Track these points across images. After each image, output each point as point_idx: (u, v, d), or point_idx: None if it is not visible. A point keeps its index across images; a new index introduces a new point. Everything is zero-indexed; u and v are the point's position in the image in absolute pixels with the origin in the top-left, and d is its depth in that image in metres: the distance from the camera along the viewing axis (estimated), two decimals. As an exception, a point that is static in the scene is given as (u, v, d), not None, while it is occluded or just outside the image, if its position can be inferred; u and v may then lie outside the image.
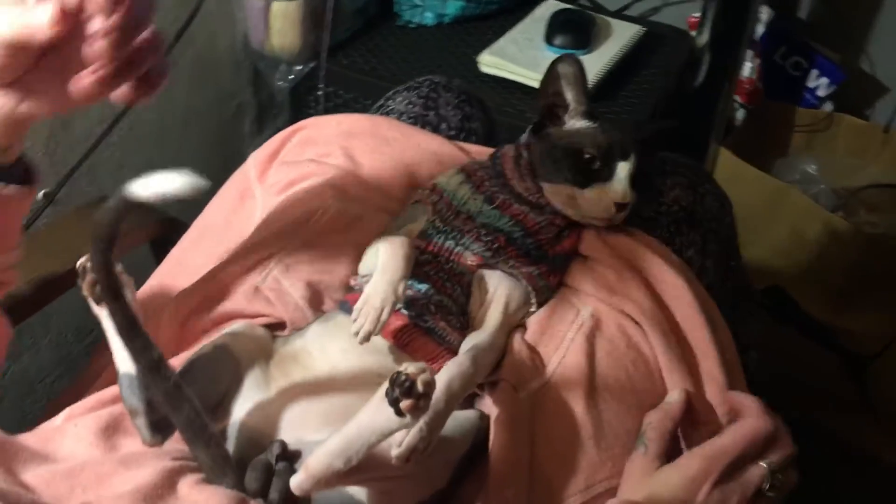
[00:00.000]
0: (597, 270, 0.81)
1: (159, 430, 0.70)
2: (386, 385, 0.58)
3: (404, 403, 0.57)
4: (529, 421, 0.73)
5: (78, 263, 0.69)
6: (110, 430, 0.74)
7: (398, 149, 0.92)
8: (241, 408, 0.72)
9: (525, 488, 0.70)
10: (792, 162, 1.53)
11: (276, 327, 0.81)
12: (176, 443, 0.73)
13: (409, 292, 0.77)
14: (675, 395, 0.73)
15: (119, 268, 0.69)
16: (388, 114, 1.02)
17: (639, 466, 0.69)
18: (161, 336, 0.78)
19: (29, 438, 0.73)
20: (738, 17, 1.38)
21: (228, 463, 0.67)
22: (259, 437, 0.70)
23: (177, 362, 0.74)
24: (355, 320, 0.71)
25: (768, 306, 1.57)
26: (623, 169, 0.79)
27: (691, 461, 0.67)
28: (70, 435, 0.74)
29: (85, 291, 0.70)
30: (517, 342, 0.78)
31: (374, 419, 0.60)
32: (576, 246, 0.83)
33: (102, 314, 0.71)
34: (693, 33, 1.53)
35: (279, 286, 0.82)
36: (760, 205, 1.47)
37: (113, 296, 0.61)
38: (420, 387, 0.57)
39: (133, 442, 0.72)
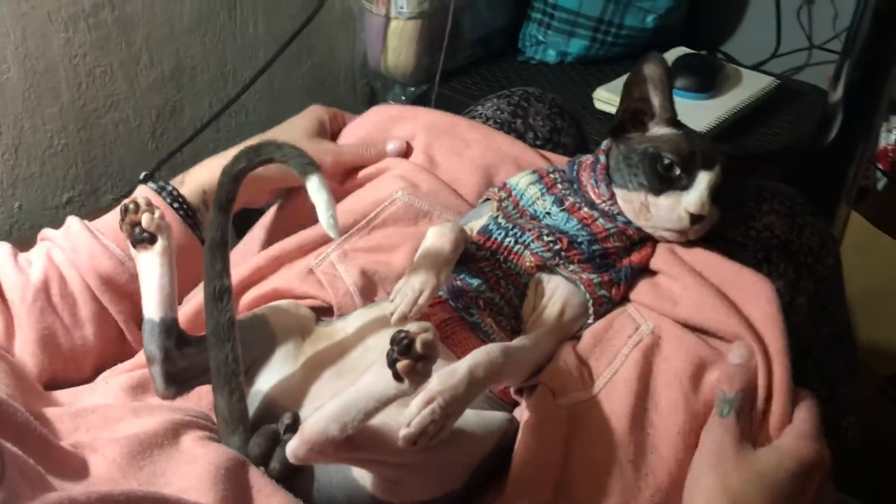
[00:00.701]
0: (663, 283, 0.74)
1: (174, 382, 0.70)
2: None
3: (401, 364, 0.53)
4: (564, 433, 0.67)
5: (121, 204, 0.69)
6: (139, 389, 0.74)
7: (477, 151, 0.89)
8: (267, 379, 0.70)
9: (545, 502, 0.63)
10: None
11: (324, 312, 0.78)
12: (194, 404, 0.72)
13: (458, 283, 0.74)
14: (740, 352, 0.68)
15: (158, 213, 0.70)
16: (474, 118, 0.99)
17: (731, 433, 0.63)
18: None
19: (61, 394, 0.74)
20: (875, 70, 1.28)
21: (244, 423, 0.66)
22: (278, 410, 0.68)
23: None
24: (392, 300, 0.68)
25: (893, 395, 1.41)
26: (704, 179, 0.73)
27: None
28: (99, 390, 0.75)
29: (125, 233, 0.70)
30: (566, 351, 0.72)
31: (372, 384, 0.56)
32: (647, 260, 0.76)
33: (139, 257, 0.70)
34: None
35: (333, 271, 0.80)
36: (890, 277, 1.33)
37: (224, 207, 0.66)
38: (419, 347, 0.52)
39: (158, 401, 0.71)
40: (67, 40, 1.08)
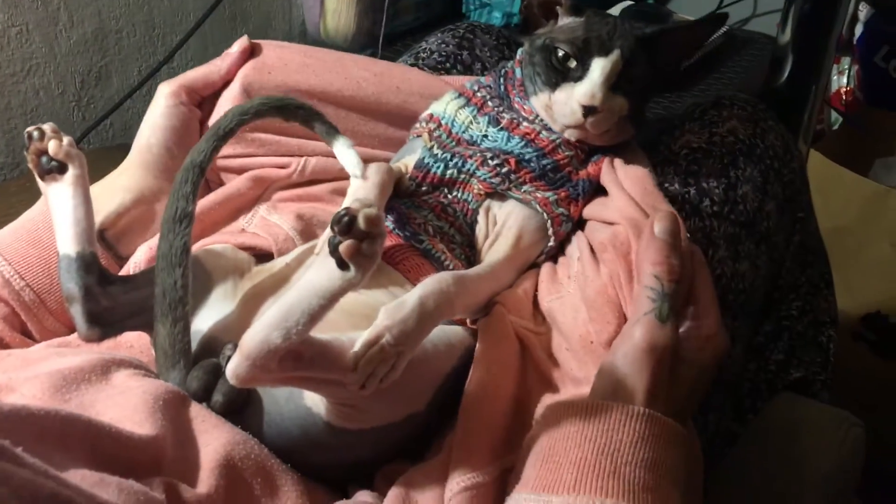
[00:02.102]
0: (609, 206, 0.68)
1: (98, 322, 0.63)
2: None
3: (344, 246, 0.47)
4: (518, 349, 0.63)
5: (25, 131, 0.63)
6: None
7: (370, 90, 0.81)
8: (205, 318, 0.64)
9: (501, 423, 0.59)
10: (892, 163, 1.36)
11: (263, 261, 0.72)
12: (125, 353, 0.65)
13: (404, 211, 0.69)
14: (665, 226, 0.58)
15: (67, 139, 0.64)
16: (419, 52, 0.94)
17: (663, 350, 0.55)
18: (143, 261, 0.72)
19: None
20: (822, 9, 1.27)
21: (186, 357, 0.60)
22: (219, 348, 0.61)
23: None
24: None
25: (868, 337, 1.39)
26: (597, 67, 0.67)
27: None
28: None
29: (31, 163, 0.64)
30: (528, 282, 0.68)
31: (314, 280, 0.49)
32: (600, 174, 0.71)
33: (49, 190, 0.64)
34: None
35: (267, 222, 0.75)
36: (856, 213, 1.31)
37: (221, 136, 0.64)
38: (362, 223, 0.46)
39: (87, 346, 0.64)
40: (-24, -3, 1.01)
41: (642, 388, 0.53)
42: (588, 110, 0.66)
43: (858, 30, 1.45)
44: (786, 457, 0.71)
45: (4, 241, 0.70)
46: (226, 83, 0.80)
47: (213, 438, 0.55)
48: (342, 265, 0.48)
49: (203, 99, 0.80)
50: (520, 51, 0.75)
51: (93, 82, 1.17)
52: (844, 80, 1.50)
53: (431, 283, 0.56)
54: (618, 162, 0.70)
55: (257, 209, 0.76)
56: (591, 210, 0.69)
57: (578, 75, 0.67)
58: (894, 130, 1.42)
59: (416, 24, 1.54)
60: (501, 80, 0.74)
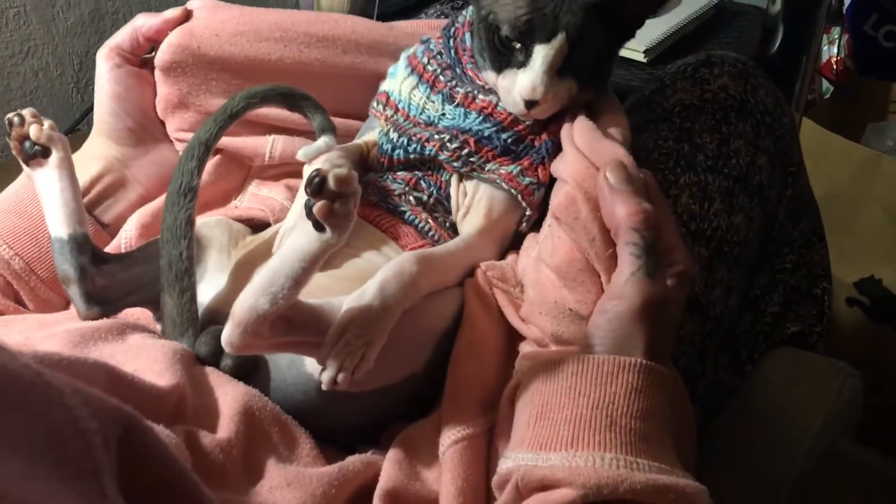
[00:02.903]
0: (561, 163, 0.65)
1: (96, 301, 0.64)
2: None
3: (317, 207, 0.48)
4: (501, 319, 0.63)
5: (6, 117, 0.64)
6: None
7: (314, 55, 0.79)
8: (203, 291, 0.65)
9: (490, 376, 0.60)
10: (884, 128, 1.37)
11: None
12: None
13: (384, 184, 0.68)
14: (618, 174, 0.56)
15: (48, 123, 0.65)
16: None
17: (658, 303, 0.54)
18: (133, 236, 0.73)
19: None
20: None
21: (194, 325, 0.61)
22: (222, 319, 0.62)
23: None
24: None
25: (863, 302, 1.40)
26: (539, 56, 0.61)
27: None
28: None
29: (14, 150, 0.65)
30: (511, 258, 0.67)
31: (295, 244, 0.51)
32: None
33: (35, 175, 0.65)
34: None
35: (259, 196, 0.76)
36: (848, 179, 1.32)
37: (229, 115, 0.65)
38: (332, 183, 0.47)
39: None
40: (-27, -22, 1.01)
41: (642, 345, 0.53)
42: (530, 103, 0.63)
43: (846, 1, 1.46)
44: (784, 406, 0.73)
45: None
46: (151, 42, 0.77)
47: (231, 390, 0.57)
48: (318, 227, 0.49)
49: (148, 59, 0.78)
50: (469, 10, 0.70)
51: (90, 64, 1.18)
52: (835, 49, 1.51)
53: (391, 267, 0.56)
54: (577, 116, 0.66)
55: (245, 190, 0.77)
56: (553, 167, 0.65)
57: (521, 60, 0.62)
58: (885, 96, 1.44)
59: (409, 2, 1.54)
60: (451, 42, 0.69)
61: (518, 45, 0.62)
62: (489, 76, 0.65)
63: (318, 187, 0.47)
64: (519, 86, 0.62)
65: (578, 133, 0.63)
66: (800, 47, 1.39)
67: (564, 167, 0.61)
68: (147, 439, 0.37)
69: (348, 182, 0.48)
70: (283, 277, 0.50)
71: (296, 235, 0.51)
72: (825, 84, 1.53)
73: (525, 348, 0.61)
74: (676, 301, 0.56)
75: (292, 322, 0.52)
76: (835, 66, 1.52)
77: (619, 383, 0.50)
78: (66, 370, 0.47)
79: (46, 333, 0.58)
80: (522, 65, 0.62)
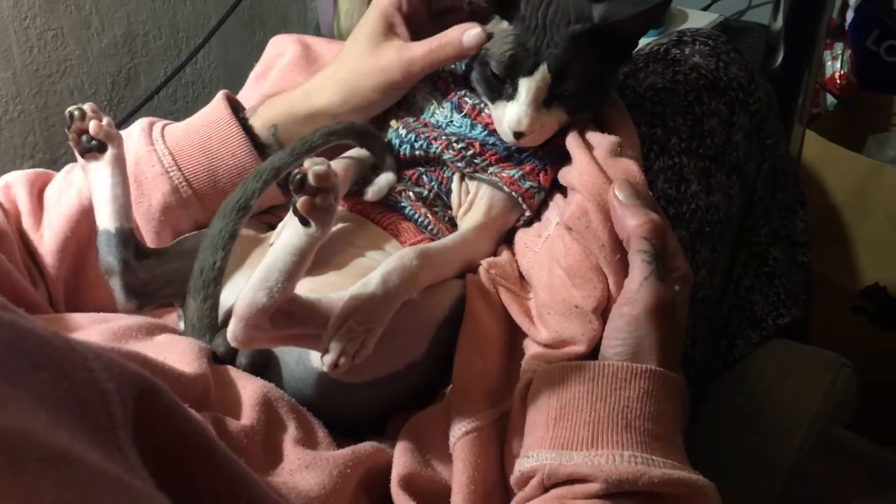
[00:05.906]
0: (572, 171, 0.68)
1: (135, 294, 0.67)
2: None
3: (300, 202, 0.52)
4: (503, 315, 0.66)
5: (67, 110, 0.67)
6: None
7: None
8: (229, 293, 0.67)
9: (495, 370, 0.63)
10: (885, 139, 1.40)
11: None
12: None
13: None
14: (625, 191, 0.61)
15: (106, 120, 0.68)
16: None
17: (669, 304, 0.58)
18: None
19: None
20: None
21: (212, 332, 0.64)
22: None
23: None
24: None
25: (869, 310, 1.43)
26: (524, 87, 0.64)
27: None
28: None
29: (71, 142, 0.68)
30: (507, 255, 0.70)
31: (285, 240, 0.55)
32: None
33: (89, 167, 0.68)
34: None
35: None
36: (851, 189, 1.35)
37: (303, 151, 0.66)
38: (312, 179, 0.51)
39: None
40: (16, 2, 1.08)
41: (656, 345, 0.57)
42: (517, 134, 0.65)
43: (850, 15, 1.49)
44: (779, 396, 0.76)
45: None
46: None
47: (249, 383, 0.61)
48: (303, 222, 0.53)
49: None
50: None
51: (122, 83, 1.24)
52: (838, 64, 1.55)
53: (394, 260, 0.59)
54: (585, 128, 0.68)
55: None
56: (561, 174, 0.68)
57: (510, 93, 0.65)
58: (888, 108, 1.47)
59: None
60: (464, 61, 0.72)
61: (506, 80, 0.65)
62: (487, 104, 0.69)
63: (299, 184, 0.51)
64: (507, 117, 0.65)
65: (599, 147, 0.66)
66: (802, 62, 1.42)
67: (577, 177, 0.64)
68: (163, 400, 0.40)
69: (327, 177, 0.51)
70: (276, 272, 0.53)
71: (285, 232, 0.55)
72: (829, 99, 1.57)
73: (530, 346, 0.64)
74: (683, 304, 0.60)
75: (293, 315, 0.55)
76: (839, 81, 1.55)
77: (632, 388, 0.55)
78: None
79: (78, 333, 0.61)
80: (511, 97, 0.65)
